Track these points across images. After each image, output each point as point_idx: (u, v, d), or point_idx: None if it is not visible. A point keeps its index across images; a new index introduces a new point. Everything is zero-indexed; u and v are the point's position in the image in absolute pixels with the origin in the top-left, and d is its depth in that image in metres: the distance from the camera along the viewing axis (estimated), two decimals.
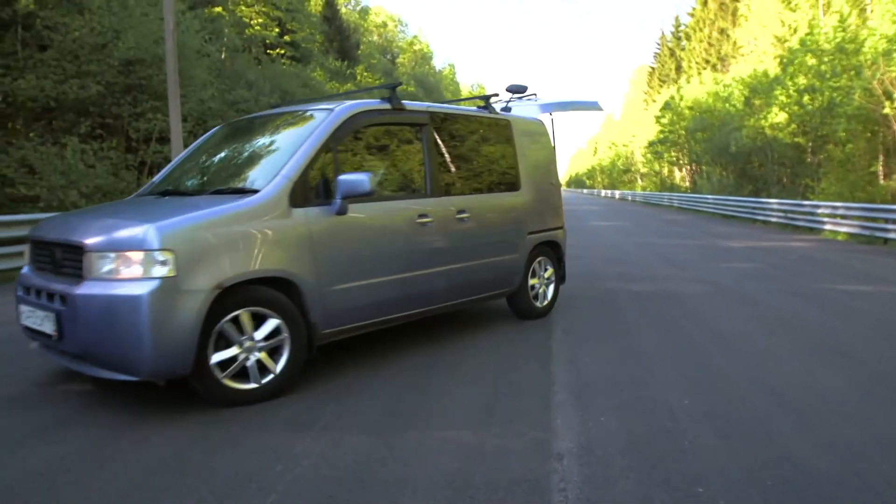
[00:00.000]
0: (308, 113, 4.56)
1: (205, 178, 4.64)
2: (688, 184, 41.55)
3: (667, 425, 3.36)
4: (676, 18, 61.41)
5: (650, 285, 8.00)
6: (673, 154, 43.08)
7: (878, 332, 5.49)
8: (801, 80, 21.17)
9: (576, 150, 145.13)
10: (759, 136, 24.99)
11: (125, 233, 3.45)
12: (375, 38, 55.60)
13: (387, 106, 4.70)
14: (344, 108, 4.38)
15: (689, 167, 41.94)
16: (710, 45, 47.04)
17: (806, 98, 21.25)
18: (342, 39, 37.89)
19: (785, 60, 23.12)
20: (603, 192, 72.23)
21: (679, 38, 56.79)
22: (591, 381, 4.14)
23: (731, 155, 27.88)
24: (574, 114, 8.16)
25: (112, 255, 3.37)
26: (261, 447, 3.11)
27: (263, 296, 3.70)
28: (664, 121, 39.83)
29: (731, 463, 2.91)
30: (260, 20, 25.74)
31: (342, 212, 4.06)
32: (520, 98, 6.70)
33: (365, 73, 39.31)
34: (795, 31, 25.80)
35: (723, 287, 7.81)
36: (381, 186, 4.64)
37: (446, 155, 5.16)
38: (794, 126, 22.89)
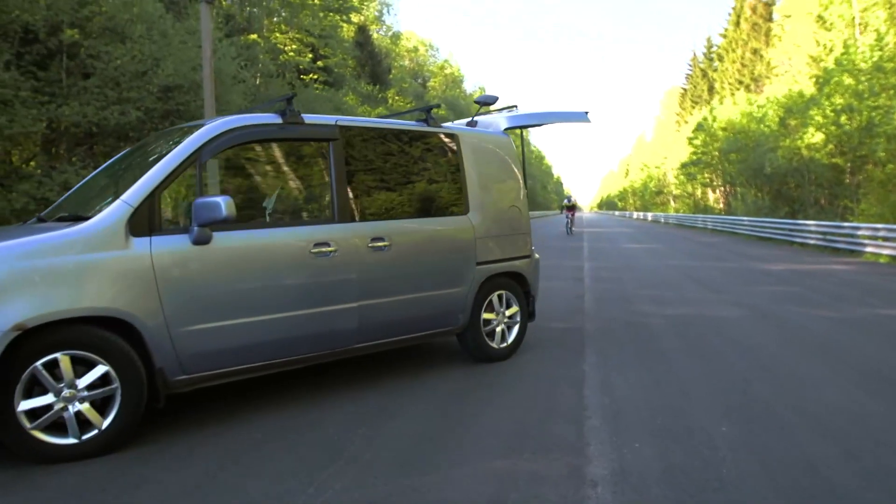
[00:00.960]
0: (185, 131, 4.00)
1: (67, 203, 4.22)
2: (722, 205, 40.97)
3: (704, 453, 3.28)
4: (708, 40, 61.13)
5: (685, 309, 7.87)
6: (706, 176, 42.57)
7: None
8: (838, 100, 20.81)
9: (607, 171, 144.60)
10: (795, 157, 24.56)
11: None
12: (407, 62, 56.36)
13: (278, 120, 4.10)
14: (217, 125, 3.83)
15: (722, 189, 41.37)
16: (743, 65, 46.59)
17: (843, 118, 20.86)
18: (374, 64, 38.46)
19: (821, 80, 22.78)
20: (635, 215, 71.69)
21: (711, 60, 56.42)
22: (624, 405, 4.07)
23: (766, 176, 27.43)
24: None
25: None
26: (292, 470, 3.11)
27: (87, 338, 3.22)
28: (697, 142, 39.44)
29: (772, 494, 2.82)
30: (294, 46, 26.32)
31: (202, 241, 3.54)
32: (500, 111, 6.05)
33: (396, 97, 39.82)
34: (831, 50, 25.40)
35: (760, 311, 7.63)
36: (273, 211, 4.15)
37: (361, 175, 4.51)
38: (831, 146, 22.45)
